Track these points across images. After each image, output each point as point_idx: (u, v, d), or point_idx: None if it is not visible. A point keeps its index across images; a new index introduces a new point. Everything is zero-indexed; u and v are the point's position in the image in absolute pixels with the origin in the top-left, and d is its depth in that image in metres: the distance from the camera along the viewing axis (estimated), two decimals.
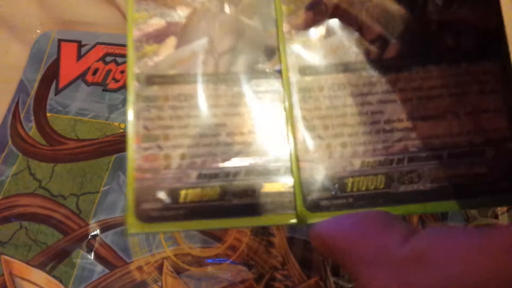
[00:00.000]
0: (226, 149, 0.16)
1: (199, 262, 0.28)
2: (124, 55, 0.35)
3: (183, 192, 0.15)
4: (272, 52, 0.16)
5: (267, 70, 0.16)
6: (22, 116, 0.34)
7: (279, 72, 0.16)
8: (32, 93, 0.35)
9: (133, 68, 0.16)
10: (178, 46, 0.16)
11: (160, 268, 0.28)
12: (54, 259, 0.29)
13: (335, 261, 0.15)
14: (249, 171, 0.15)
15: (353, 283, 0.13)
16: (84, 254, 0.29)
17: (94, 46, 0.36)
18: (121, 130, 0.32)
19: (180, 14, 0.16)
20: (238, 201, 0.15)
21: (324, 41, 0.16)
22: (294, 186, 0.15)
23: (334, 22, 0.16)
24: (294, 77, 0.16)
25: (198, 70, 0.16)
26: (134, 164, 0.15)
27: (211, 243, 0.28)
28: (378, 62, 0.16)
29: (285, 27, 0.16)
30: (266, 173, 0.15)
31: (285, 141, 0.16)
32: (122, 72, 0.35)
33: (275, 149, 0.15)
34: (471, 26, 0.16)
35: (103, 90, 0.34)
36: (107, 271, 0.28)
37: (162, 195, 0.15)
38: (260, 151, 0.15)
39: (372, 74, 0.16)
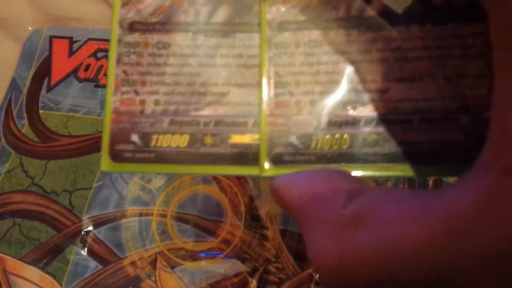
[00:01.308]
0: (199, 98, 0.16)
1: (192, 256, 0.28)
2: None
3: (154, 137, 0.15)
4: (253, 5, 0.16)
5: (246, 23, 0.16)
6: (14, 113, 0.34)
7: (259, 25, 0.16)
8: (25, 91, 0.34)
9: (117, 14, 0.16)
10: None
11: (153, 263, 0.28)
12: (47, 256, 0.29)
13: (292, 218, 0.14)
14: (218, 121, 0.15)
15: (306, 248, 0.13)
16: (77, 250, 0.29)
17: (85, 42, 0.36)
18: None
19: None
20: (205, 149, 0.15)
21: None
22: (260, 139, 0.15)
23: None
24: (271, 31, 0.16)
25: (178, 18, 0.16)
26: (112, 107, 0.16)
27: (204, 237, 0.28)
28: (358, 20, 0.15)
29: None
30: (235, 125, 0.15)
31: (257, 95, 0.15)
32: None
33: (246, 103, 0.15)
34: None
35: (95, 86, 0.34)
36: (100, 266, 0.28)
37: (135, 138, 0.15)
38: (232, 103, 0.16)
39: (351, 32, 0.15)
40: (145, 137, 0.15)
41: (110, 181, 0.30)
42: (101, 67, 0.35)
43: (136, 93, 0.16)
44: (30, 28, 0.37)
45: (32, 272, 0.28)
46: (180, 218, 0.29)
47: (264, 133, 0.15)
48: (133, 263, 0.28)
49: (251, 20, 0.16)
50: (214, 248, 0.28)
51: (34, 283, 0.28)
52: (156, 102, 0.16)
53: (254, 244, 0.28)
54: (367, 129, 0.15)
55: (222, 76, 0.16)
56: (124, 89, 0.16)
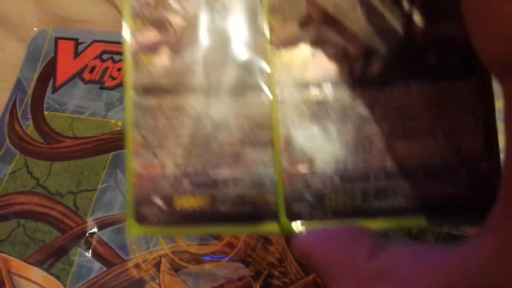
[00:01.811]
0: (217, 159, 0.16)
1: (196, 259, 0.28)
2: (121, 53, 0.35)
3: (177, 199, 0.16)
4: (262, 66, 0.16)
5: (256, 83, 0.16)
6: (19, 114, 0.34)
7: (269, 85, 0.16)
8: (30, 91, 0.35)
9: (130, 78, 0.16)
10: (172, 57, 0.16)
11: (157, 266, 0.28)
12: (52, 257, 0.29)
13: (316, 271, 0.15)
14: (236, 180, 0.16)
15: None
16: (81, 251, 0.29)
17: (91, 44, 0.36)
18: (118, 128, 0.32)
19: (175, 26, 0.17)
20: (225, 208, 0.16)
21: (310, 58, 0.16)
22: (277, 197, 0.15)
23: (319, 37, 0.16)
24: (283, 92, 0.16)
25: (191, 81, 0.16)
26: (133, 171, 0.16)
27: (209, 241, 0.28)
28: (361, 80, 0.16)
29: (274, 40, 0.16)
30: (253, 184, 0.16)
31: (271, 155, 0.16)
32: (119, 70, 0.35)
33: (261, 162, 0.16)
34: (456, 43, 0.15)
35: (100, 88, 0.34)
36: (104, 268, 0.28)
37: (158, 201, 0.16)
38: (248, 162, 0.16)
39: (355, 91, 0.16)
40: (168, 200, 0.16)
41: (115, 183, 0.30)
42: (106, 69, 0.35)
43: (155, 156, 0.16)
44: (35, 29, 0.37)
45: (36, 273, 0.28)
46: None
47: (281, 191, 0.16)
48: (137, 266, 0.28)
49: (261, 80, 0.16)
50: (218, 251, 0.28)
51: (38, 284, 0.28)
52: (176, 165, 0.16)
53: (258, 248, 0.28)
54: (377, 184, 0.15)
55: (236, 136, 0.16)
56: (144, 152, 0.16)
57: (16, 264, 0.29)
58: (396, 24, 0.15)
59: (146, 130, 0.16)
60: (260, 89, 0.16)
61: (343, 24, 0.16)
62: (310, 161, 0.16)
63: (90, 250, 0.29)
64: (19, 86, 0.35)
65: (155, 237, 0.29)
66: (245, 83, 0.16)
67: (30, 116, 0.34)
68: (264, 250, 0.28)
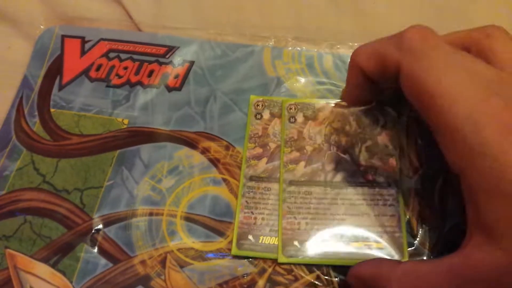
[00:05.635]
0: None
1: (202, 256, 0.28)
2: (127, 51, 0.35)
3: (261, 237, 0.28)
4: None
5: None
6: (26, 111, 0.34)
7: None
8: (36, 89, 0.35)
9: (244, 171, 0.30)
10: (267, 162, 0.30)
11: (163, 262, 0.28)
12: (58, 253, 0.29)
13: None
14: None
15: None
16: (88, 248, 0.29)
17: (97, 42, 0.36)
18: (125, 126, 0.33)
19: (271, 145, 0.31)
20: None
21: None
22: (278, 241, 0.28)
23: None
24: (285, 186, 0.30)
25: (276, 175, 0.30)
26: (238, 219, 0.29)
27: (214, 238, 0.29)
28: (330, 183, 0.29)
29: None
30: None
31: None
32: (125, 68, 0.35)
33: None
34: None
35: (107, 86, 0.34)
36: (110, 264, 0.28)
37: (250, 237, 0.28)
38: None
39: (326, 189, 0.29)
40: (256, 237, 0.28)
41: (121, 181, 0.31)
42: (112, 67, 0.35)
43: (252, 213, 0.29)
44: (42, 26, 0.37)
45: (43, 269, 0.28)
46: (189, 218, 0.29)
47: (280, 238, 0.28)
48: (143, 262, 0.28)
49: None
50: (223, 248, 0.28)
51: (45, 280, 0.28)
52: (262, 219, 0.28)
53: None
54: (339, 241, 0.27)
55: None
56: (246, 210, 0.29)
57: (23, 260, 0.29)
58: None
59: (248, 198, 0.29)
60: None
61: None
62: (299, 223, 0.28)
63: (96, 247, 0.29)
64: (25, 83, 0.35)
65: (160, 229, 0.29)
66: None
67: (36, 113, 0.34)
68: None
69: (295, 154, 0.30)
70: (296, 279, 0.27)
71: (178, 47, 0.35)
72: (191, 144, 0.32)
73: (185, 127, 0.32)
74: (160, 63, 0.35)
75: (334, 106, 0.31)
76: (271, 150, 0.30)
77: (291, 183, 0.29)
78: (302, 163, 0.29)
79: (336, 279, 0.27)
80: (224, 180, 0.30)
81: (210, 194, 0.30)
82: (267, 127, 0.31)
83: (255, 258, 0.28)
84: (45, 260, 0.29)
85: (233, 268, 0.28)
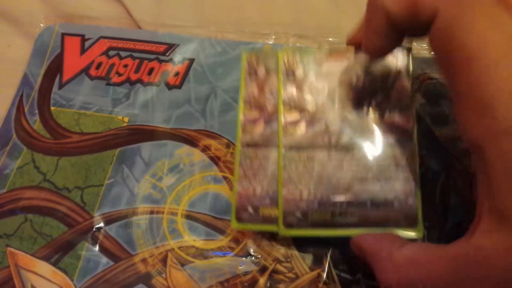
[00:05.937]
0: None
1: (202, 254, 0.28)
2: (127, 49, 0.35)
3: (261, 208, 0.26)
4: None
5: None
6: (26, 109, 0.34)
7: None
8: (36, 87, 0.35)
9: (239, 137, 0.27)
10: (264, 128, 0.27)
11: (164, 260, 0.28)
12: (59, 251, 0.29)
13: (365, 261, 0.23)
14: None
15: (375, 275, 0.21)
16: (89, 246, 0.29)
17: (97, 40, 0.36)
18: (125, 124, 0.33)
19: (268, 108, 0.28)
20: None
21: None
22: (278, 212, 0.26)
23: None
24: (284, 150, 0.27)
25: (272, 140, 0.27)
26: (236, 191, 0.26)
27: (215, 236, 0.29)
28: (334, 146, 0.26)
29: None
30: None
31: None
32: (125, 66, 0.35)
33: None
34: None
35: (107, 84, 0.34)
36: (111, 263, 0.28)
37: (250, 209, 0.26)
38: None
39: (331, 153, 0.26)
40: (256, 209, 0.26)
41: (122, 179, 0.31)
42: (112, 65, 0.35)
43: (250, 183, 0.26)
44: (41, 24, 0.37)
45: (44, 268, 0.29)
46: (190, 217, 0.29)
47: (281, 208, 0.26)
48: (144, 260, 0.28)
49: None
50: (224, 246, 0.28)
51: (46, 278, 0.28)
52: (262, 189, 0.26)
53: (264, 244, 0.28)
54: (341, 208, 0.25)
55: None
56: (244, 181, 0.27)
57: (24, 258, 0.29)
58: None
59: (246, 167, 0.27)
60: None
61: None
62: (300, 192, 0.25)
63: (97, 245, 0.29)
64: (25, 81, 0.35)
65: (161, 227, 0.29)
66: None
67: (37, 112, 0.34)
68: (270, 245, 0.28)
69: (295, 115, 0.26)
70: (297, 277, 0.27)
71: (178, 45, 0.35)
72: (191, 142, 0.32)
73: (185, 125, 0.32)
74: (160, 61, 0.35)
75: (339, 56, 0.27)
76: (268, 112, 0.27)
77: (291, 148, 0.26)
78: (303, 125, 0.26)
79: (337, 276, 0.27)
80: (225, 178, 0.30)
81: (211, 192, 0.30)
82: (263, 86, 0.28)
83: (255, 231, 0.27)
84: (46, 259, 0.29)
85: (234, 266, 0.28)
